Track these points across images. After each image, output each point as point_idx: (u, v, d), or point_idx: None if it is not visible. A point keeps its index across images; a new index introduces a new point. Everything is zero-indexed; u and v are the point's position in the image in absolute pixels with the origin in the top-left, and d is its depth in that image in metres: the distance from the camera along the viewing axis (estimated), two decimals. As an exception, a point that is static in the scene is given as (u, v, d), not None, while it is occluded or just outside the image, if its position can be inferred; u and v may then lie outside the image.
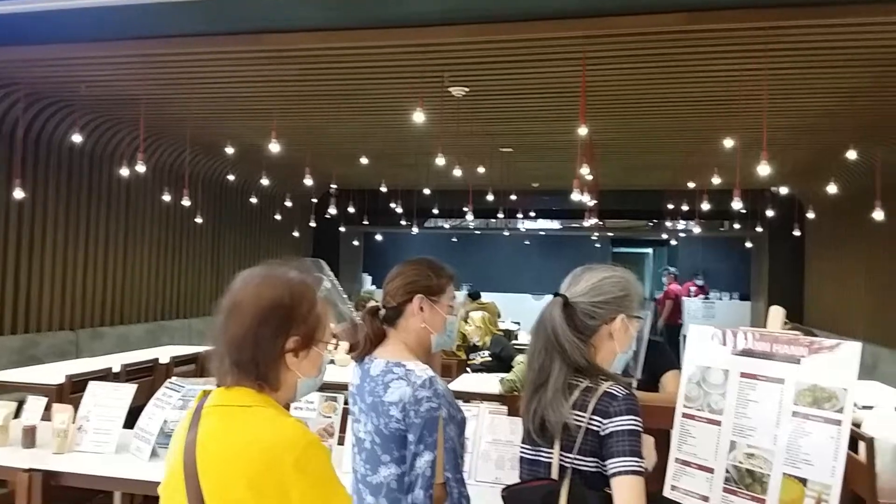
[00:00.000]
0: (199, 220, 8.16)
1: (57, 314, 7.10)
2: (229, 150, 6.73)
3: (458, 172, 6.95)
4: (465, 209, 7.37)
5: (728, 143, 5.20)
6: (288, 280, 1.41)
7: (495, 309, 9.57)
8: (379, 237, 13.51)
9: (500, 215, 8.80)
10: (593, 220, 11.61)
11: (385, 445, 1.84)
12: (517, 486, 1.76)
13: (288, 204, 8.74)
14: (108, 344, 7.54)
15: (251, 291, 1.39)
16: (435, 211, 10.34)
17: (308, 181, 6.24)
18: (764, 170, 4.27)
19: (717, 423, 2.45)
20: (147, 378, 5.51)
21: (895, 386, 6.37)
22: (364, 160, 7.14)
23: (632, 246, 20.79)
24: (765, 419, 2.32)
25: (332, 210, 7.43)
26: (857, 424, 4.33)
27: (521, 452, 1.83)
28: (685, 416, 2.56)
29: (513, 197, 10.79)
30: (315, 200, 7.62)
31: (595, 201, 10.87)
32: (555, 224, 15.95)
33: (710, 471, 2.43)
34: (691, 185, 8.79)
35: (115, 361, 5.59)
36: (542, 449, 1.75)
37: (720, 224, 14.74)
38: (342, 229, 12.06)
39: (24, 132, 6.53)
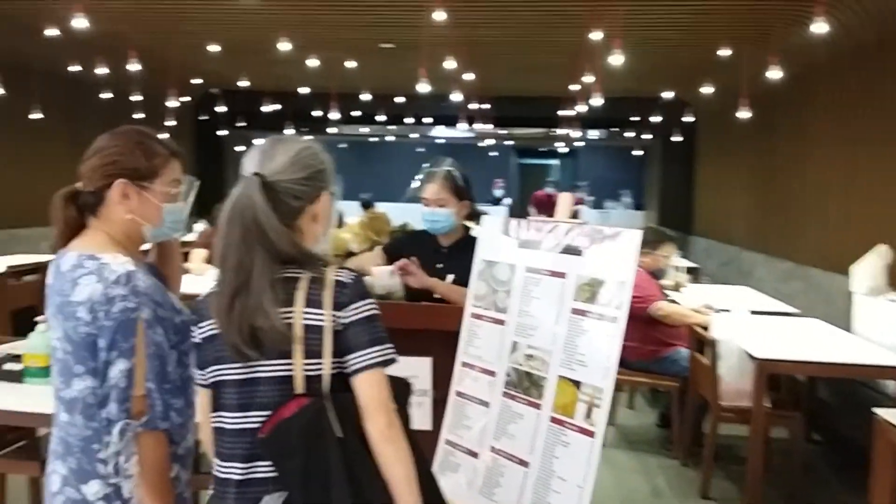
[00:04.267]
0: (35, 115, 7.16)
1: None
2: (51, 33, 5.84)
3: (312, 63, 6.36)
4: (336, 114, 6.84)
5: (596, 36, 4.88)
6: None
7: (385, 218, 9.48)
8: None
9: (383, 118, 8.28)
10: (488, 127, 11.29)
11: (77, 354, 1.57)
12: (275, 422, 1.39)
13: (134, 98, 7.84)
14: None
15: None
16: (315, 114, 9.71)
17: (134, 66, 5.53)
18: (617, 59, 3.99)
19: (502, 322, 2.22)
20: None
21: (766, 292, 6.43)
22: (214, 48, 6.40)
23: (538, 157, 20.72)
24: (546, 317, 2.09)
25: (173, 103, 6.72)
26: (705, 328, 4.29)
27: (228, 375, 1.45)
28: (473, 315, 2.32)
29: (398, 100, 10.22)
30: (182, 100, 6.87)
31: (486, 105, 10.51)
32: (468, 132, 15.47)
33: (493, 374, 2.22)
34: (574, 87, 8.50)
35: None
36: (263, 364, 1.42)
37: (619, 133, 14.67)
38: (220, 133, 11.24)
39: None
